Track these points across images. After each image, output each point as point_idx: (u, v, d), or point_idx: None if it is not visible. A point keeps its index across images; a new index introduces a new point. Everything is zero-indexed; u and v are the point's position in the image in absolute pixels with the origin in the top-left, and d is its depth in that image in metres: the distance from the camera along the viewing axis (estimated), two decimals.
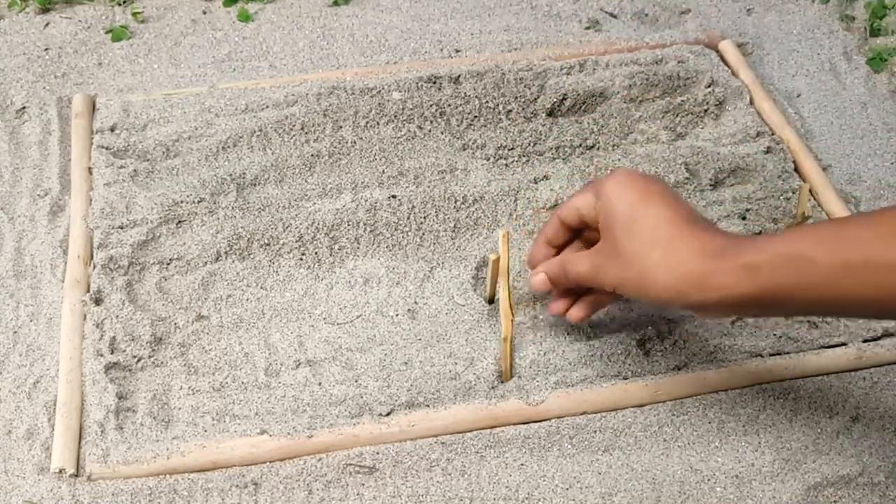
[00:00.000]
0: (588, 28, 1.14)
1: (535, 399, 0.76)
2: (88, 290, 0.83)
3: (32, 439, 0.75)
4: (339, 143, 0.94)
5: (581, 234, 0.74)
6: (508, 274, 0.76)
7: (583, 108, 0.99)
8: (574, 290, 0.75)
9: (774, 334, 0.82)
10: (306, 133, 0.95)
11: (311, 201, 0.90)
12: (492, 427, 0.76)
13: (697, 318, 0.76)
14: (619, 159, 0.94)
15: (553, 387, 0.77)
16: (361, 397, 0.77)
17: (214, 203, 0.89)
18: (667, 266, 0.61)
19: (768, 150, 0.96)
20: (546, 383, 0.78)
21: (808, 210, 0.85)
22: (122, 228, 0.87)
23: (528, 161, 0.95)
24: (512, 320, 0.77)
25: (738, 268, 0.58)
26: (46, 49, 1.09)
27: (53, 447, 0.73)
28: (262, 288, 0.84)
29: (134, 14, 1.13)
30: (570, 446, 0.75)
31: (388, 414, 0.76)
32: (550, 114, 0.99)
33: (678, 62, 1.04)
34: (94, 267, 0.84)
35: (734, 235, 0.62)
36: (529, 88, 0.99)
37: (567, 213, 0.71)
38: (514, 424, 0.76)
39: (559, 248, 0.75)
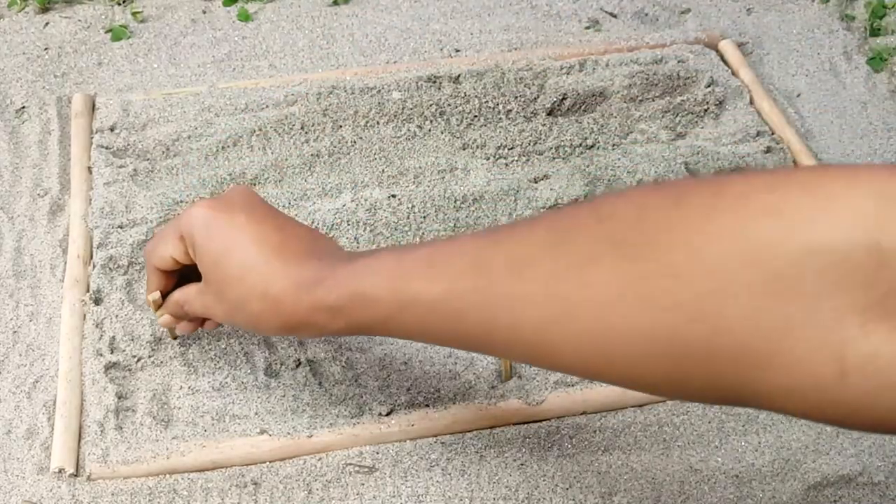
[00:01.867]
0: (588, 28, 1.14)
1: (535, 399, 0.76)
2: (88, 290, 0.83)
3: (32, 439, 0.75)
4: (339, 143, 0.94)
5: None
6: None
7: (583, 107, 0.99)
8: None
9: None
10: (306, 133, 0.95)
11: (310, 201, 0.90)
12: (492, 427, 0.76)
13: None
14: (619, 159, 0.94)
15: (553, 387, 0.77)
16: (361, 397, 0.77)
17: None
18: (267, 312, 0.59)
19: (768, 150, 0.96)
20: (546, 383, 0.77)
21: None
22: (121, 228, 0.87)
23: (528, 161, 0.95)
24: None
25: (323, 310, 0.58)
26: (46, 48, 1.09)
27: (53, 447, 0.73)
28: None
29: (134, 14, 1.13)
30: (570, 446, 0.75)
31: (388, 414, 0.76)
32: (550, 113, 0.99)
33: (678, 62, 1.04)
34: (94, 266, 0.84)
35: (327, 257, 0.60)
36: (529, 88, 0.99)
37: (162, 264, 0.68)
38: (514, 424, 0.76)
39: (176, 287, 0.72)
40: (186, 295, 0.68)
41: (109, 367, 0.77)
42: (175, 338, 0.79)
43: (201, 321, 0.73)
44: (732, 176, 0.44)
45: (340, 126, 0.96)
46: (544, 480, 0.73)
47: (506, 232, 0.53)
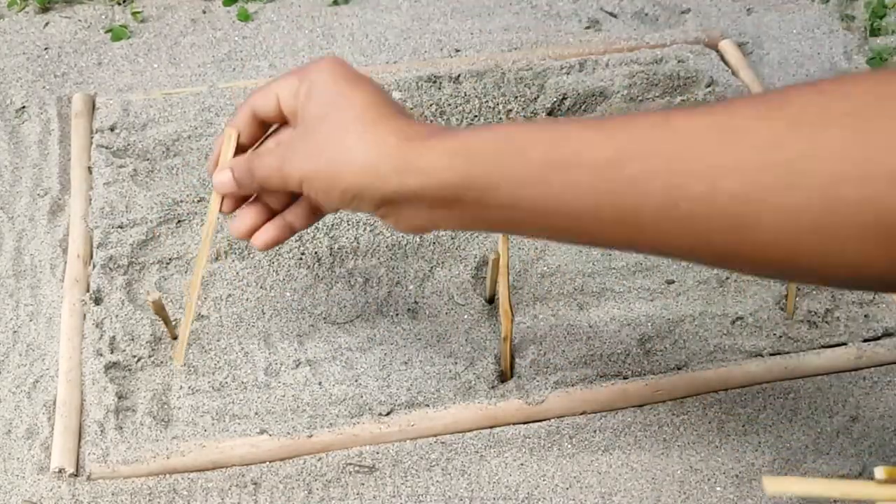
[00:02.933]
0: (588, 28, 1.14)
1: (535, 399, 0.76)
2: (88, 290, 0.83)
3: (32, 439, 0.75)
4: None
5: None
6: (508, 273, 0.76)
7: (583, 107, 0.99)
8: (265, 208, 0.64)
9: (774, 334, 0.82)
10: None
11: None
12: (492, 427, 0.76)
13: (390, 226, 0.59)
14: None
15: (553, 387, 0.77)
16: (361, 397, 0.77)
17: None
18: (364, 147, 0.53)
19: None
20: (546, 383, 0.77)
21: None
22: (121, 228, 0.87)
23: None
24: (512, 320, 0.77)
25: (443, 150, 0.51)
26: (46, 48, 1.09)
27: (53, 447, 0.73)
28: (261, 287, 0.84)
29: (133, 13, 1.13)
30: (570, 446, 0.75)
31: (387, 414, 0.76)
32: (550, 113, 0.99)
33: (678, 62, 1.04)
34: (94, 266, 0.84)
35: (445, 127, 0.55)
36: (529, 88, 0.99)
37: (262, 103, 0.61)
38: (514, 424, 0.76)
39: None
40: (261, 150, 0.61)
41: (109, 366, 0.77)
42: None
43: (258, 220, 0.64)
44: None
45: None
46: (544, 480, 0.73)
47: (695, 107, 0.47)
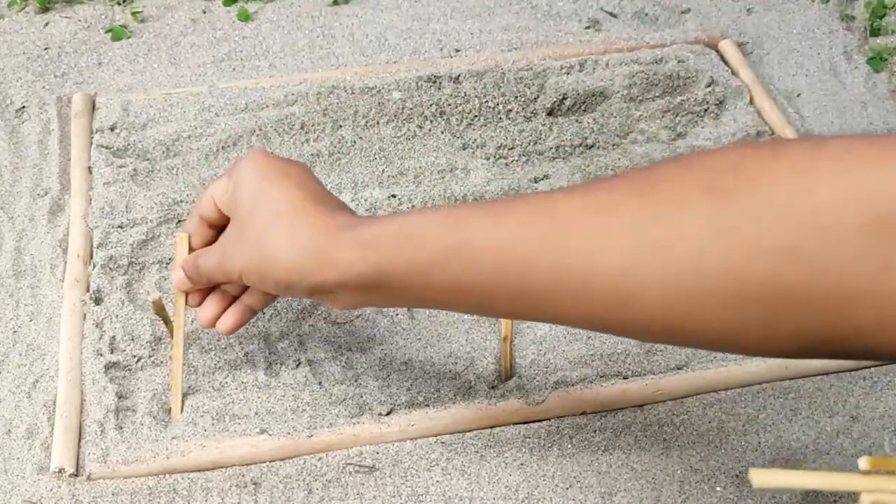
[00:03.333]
0: (588, 28, 1.14)
1: (535, 399, 0.76)
2: (88, 290, 0.83)
3: (32, 439, 0.75)
4: (339, 143, 0.94)
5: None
6: None
7: (583, 107, 0.99)
8: (226, 295, 0.70)
9: None
10: (306, 132, 0.95)
11: None
12: (492, 427, 0.76)
13: (328, 307, 0.67)
14: (619, 158, 0.94)
15: (553, 387, 0.77)
16: (361, 397, 0.77)
17: None
18: (288, 243, 0.57)
19: None
20: (546, 383, 0.77)
21: None
22: (121, 228, 0.87)
23: (528, 160, 0.95)
24: (512, 320, 0.77)
25: (355, 244, 0.55)
26: (46, 48, 1.09)
27: (53, 447, 0.73)
28: None
29: (133, 13, 1.13)
30: (570, 446, 0.75)
31: (388, 413, 0.76)
32: (550, 113, 0.99)
33: (678, 62, 1.04)
34: (94, 266, 0.84)
35: (362, 216, 0.58)
36: (529, 88, 0.99)
37: (204, 207, 0.66)
38: (514, 424, 0.76)
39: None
40: (205, 249, 0.66)
41: (109, 366, 0.77)
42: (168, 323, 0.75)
43: (206, 292, 0.69)
44: (829, 137, 0.46)
45: (340, 126, 0.96)
46: (544, 480, 0.73)
47: (576, 187, 0.50)
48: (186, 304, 0.71)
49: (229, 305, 0.69)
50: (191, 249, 0.69)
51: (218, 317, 0.69)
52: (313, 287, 0.57)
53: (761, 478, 0.44)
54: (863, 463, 0.44)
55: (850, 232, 0.42)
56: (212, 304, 0.69)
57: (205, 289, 0.69)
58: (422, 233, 0.53)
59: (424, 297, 0.55)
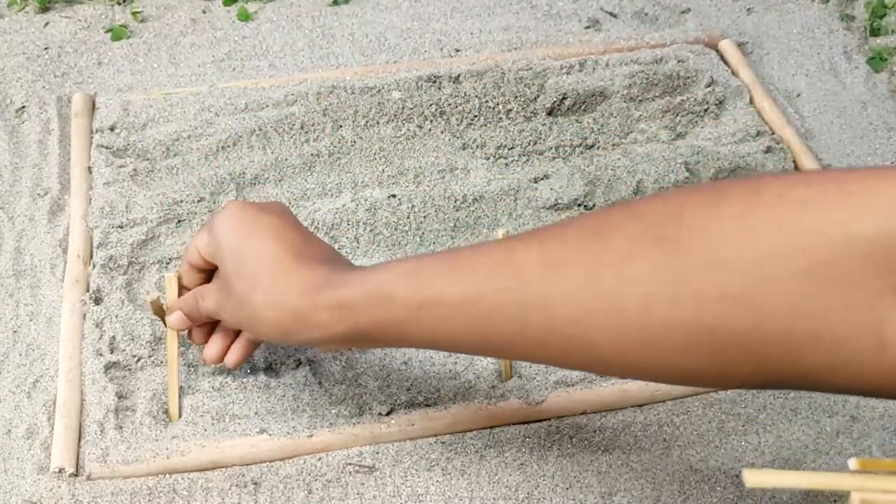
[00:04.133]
0: (588, 27, 1.14)
1: (535, 399, 0.76)
2: (88, 290, 0.83)
3: (32, 439, 0.75)
4: (339, 143, 0.94)
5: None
6: None
7: (583, 107, 0.99)
8: (230, 332, 0.72)
9: None
10: (306, 132, 0.95)
11: (310, 201, 0.90)
12: (492, 427, 0.76)
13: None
14: (619, 158, 0.94)
15: (553, 386, 0.77)
16: (361, 397, 0.77)
17: (214, 202, 0.89)
18: (272, 305, 0.59)
19: (768, 150, 0.96)
20: (546, 383, 0.77)
21: None
22: (121, 228, 0.87)
23: (528, 160, 0.95)
24: None
25: (332, 308, 0.57)
26: (46, 48, 1.09)
27: (53, 446, 0.73)
28: None
29: (133, 13, 1.13)
30: (570, 446, 0.75)
31: (388, 413, 0.76)
32: (550, 113, 0.99)
33: (678, 62, 1.04)
34: (94, 266, 0.84)
35: (341, 268, 0.60)
36: (529, 88, 0.99)
37: (191, 256, 0.68)
38: (514, 424, 0.76)
39: None
40: (205, 290, 0.67)
41: (109, 366, 0.77)
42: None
43: (210, 329, 0.72)
44: (767, 177, 0.47)
45: (340, 126, 0.96)
46: (544, 480, 0.73)
47: (534, 236, 0.53)
48: (191, 339, 0.73)
49: (232, 341, 0.71)
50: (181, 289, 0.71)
51: (223, 353, 0.71)
52: (303, 341, 0.60)
53: (754, 478, 0.45)
54: (852, 464, 0.45)
55: (791, 278, 0.43)
56: (216, 343, 0.71)
57: (207, 325, 0.71)
58: (392, 291, 0.55)
59: (406, 344, 0.58)
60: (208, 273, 0.69)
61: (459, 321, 0.53)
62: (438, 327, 0.54)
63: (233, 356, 0.71)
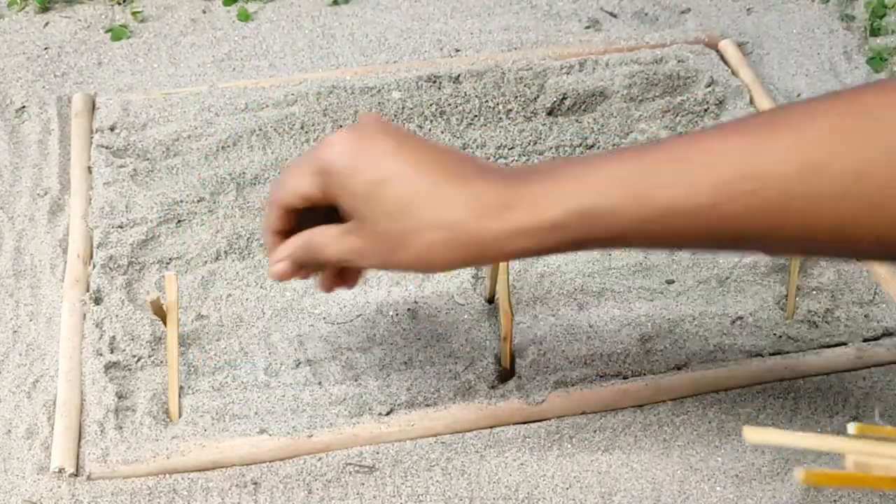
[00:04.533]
0: (588, 27, 1.14)
1: (535, 399, 0.76)
2: (88, 290, 0.83)
3: (32, 439, 0.75)
4: None
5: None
6: (508, 273, 0.76)
7: (583, 107, 0.99)
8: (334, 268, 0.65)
9: (774, 334, 0.82)
10: (306, 132, 0.95)
11: None
12: (492, 427, 0.76)
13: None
14: None
15: (553, 387, 0.77)
16: (361, 397, 0.77)
17: (214, 202, 0.89)
18: (441, 240, 0.51)
19: None
20: (546, 383, 0.77)
21: None
22: (121, 228, 0.87)
23: (528, 160, 0.95)
24: (512, 320, 0.77)
25: (526, 232, 0.50)
26: (46, 48, 1.09)
27: (53, 446, 0.73)
28: (261, 287, 0.84)
29: (133, 13, 1.13)
30: (570, 446, 0.75)
31: (387, 413, 0.76)
32: (550, 113, 0.99)
33: (678, 61, 1.04)
34: (94, 266, 0.84)
35: (509, 178, 0.52)
36: (529, 88, 0.99)
37: (288, 199, 0.59)
38: (514, 424, 0.76)
39: (289, 234, 0.62)
40: (325, 237, 0.58)
41: (109, 366, 0.77)
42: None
43: (336, 274, 0.64)
44: None
45: (340, 126, 0.96)
46: (544, 480, 0.73)
47: (743, 128, 0.50)
48: (317, 284, 0.67)
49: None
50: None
51: (335, 281, 0.66)
52: (483, 264, 0.57)
53: (755, 435, 0.47)
54: (851, 428, 0.46)
55: None
56: (330, 278, 0.66)
57: (311, 269, 0.64)
58: (606, 207, 0.50)
59: (618, 247, 0.55)
60: (299, 216, 0.61)
61: (695, 227, 0.49)
62: (670, 235, 0.50)
63: (348, 282, 0.65)
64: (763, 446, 0.49)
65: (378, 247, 0.55)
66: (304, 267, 0.62)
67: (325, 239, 0.58)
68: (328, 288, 0.66)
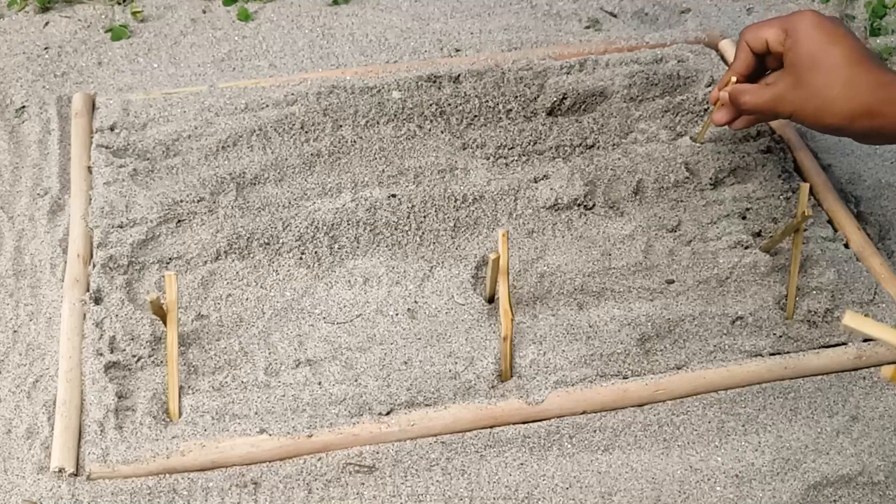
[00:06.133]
0: (588, 27, 1.14)
1: (535, 399, 0.76)
2: (88, 290, 0.83)
3: (32, 438, 0.75)
4: (339, 143, 0.94)
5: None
6: (508, 273, 0.76)
7: (583, 107, 0.99)
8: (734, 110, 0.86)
9: (774, 334, 0.82)
10: (306, 132, 0.95)
11: (310, 200, 0.90)
12: (492, 427, 0.76)
13: (857, 141, 0.83)
14: (619, 158, 0.94)
15: (553, 386, 0.77)
16: (361, 397, 0.77)
17: (214, 202, 0.89)
18: (846, 97, 0.74)
19: (768, 150, 0.96)
20: (546, 383, 0.77)
21: (809, 210, 0.85)
22: (121, 228, 0.87)
23: (527, 160, 0.95)
24: (512, 319, 0.77)
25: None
26: (46, 48, 1.09)
27: (53, 446, 0.73)
28: (261, 287, 0.84)
29: (134, 13, 1.13)
30: (570, 446, 0.75)
31: (387, 413, 0.76)
32: (550, 113, 0.99)
33: (678, 61, 1.04)
34: (94, 266, 0.84)
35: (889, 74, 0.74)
36: (529, 88, 0.99)
37: (755, 41, 0.81)
38: (514, 424, 0.76)
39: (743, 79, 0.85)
40: (746, 88, 0.81)
41: (109, 366, 0.77)
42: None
43: (750, 120, 0.85)
44: None
45: (340, 126, 0.96)
46: (544, 480, 0.73)
47: None
48: (715, 121, 0.87)
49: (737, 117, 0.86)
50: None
51: (731, 119, 0.86)
52: (857, 130, 0.75)
53: (852, 321, 0.54)
54: None
55: None
56: (728, 113, 0.86)
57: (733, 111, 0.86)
58: None
59: None
60: (757, 59, 0.83)
61: None
62: None
63: (741, 122, 0.86)
64: (859, 334, 0.55)
65: (798, 93, 0.77)
66: (733, 104, 0.83)
67: (751, 89, 0.82)
68: (724, 119, 0.86)
